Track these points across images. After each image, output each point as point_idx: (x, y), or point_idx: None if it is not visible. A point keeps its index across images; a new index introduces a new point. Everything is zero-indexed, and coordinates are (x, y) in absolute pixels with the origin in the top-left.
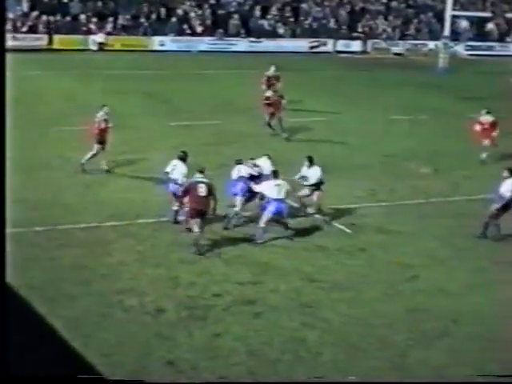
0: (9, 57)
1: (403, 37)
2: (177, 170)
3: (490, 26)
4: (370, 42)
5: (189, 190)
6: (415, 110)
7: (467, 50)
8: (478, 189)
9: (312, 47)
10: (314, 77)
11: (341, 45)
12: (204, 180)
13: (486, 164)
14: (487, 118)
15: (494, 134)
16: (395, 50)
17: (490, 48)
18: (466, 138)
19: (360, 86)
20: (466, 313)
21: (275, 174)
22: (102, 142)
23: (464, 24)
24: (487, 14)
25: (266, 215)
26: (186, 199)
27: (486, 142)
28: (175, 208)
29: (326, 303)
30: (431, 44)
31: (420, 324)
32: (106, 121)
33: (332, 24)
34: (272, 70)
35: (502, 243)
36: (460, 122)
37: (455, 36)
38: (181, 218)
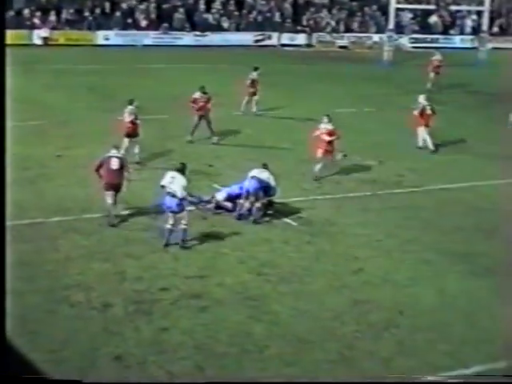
0: None
1: (348, 30)
2: (175, 182)
3: (434, 18)
4: (314, 35)
5: (102, 164)
6: (360, 103)
7: (411, 42)
8: (422, 181)
9: (257, 40)
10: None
11: (286, 38)
12: (117, 155)
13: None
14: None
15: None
16: (340, 43)
17: (434, 41)
18: (412, 130)
19: (305, 80)
20: (413, 304)
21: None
22: (130, 135)
23: (408, 17)
24: (431, 7)
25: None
26: (101, 172)
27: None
28: (169, 226)
29: (272, 296)
30: (376, 37)
31: (367, 316)
32: (134, 115)
33: (277, 17)
34: (256, 74)
35: (447, 234)
36: (404, 115)
37: (399, 29)
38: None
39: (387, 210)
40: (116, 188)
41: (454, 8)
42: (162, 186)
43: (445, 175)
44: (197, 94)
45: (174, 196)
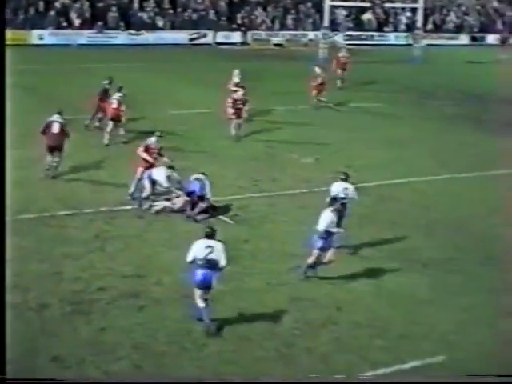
0: None
1: (283, 27)
2: (215, 251)
3: (369, 16)
4: (249, 33)
5: (45, 128)
6: (295, 101)
7: (346, 39)
8: (358, 177)
9: (192, 39)
10: (194, 69)
11: (221, 36)
12: (58, 120)
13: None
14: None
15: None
16: (275, 40)
17: (368, 38)
18: (347, 126)
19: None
20: (350, 300)
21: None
22: (114, 119)
23: (343, 14)
24: (365, 4)
25: None
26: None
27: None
28: (202, 305)
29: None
30: (311, 34)
31: (305, 313)
32: (119, 101)
33: (212, 16)
34: (237, 76)
35: (384, 230)
36: (340, 112)
37: (334, 26)
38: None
39: (324, 207)
40: (56, 149)
41: (388, 5)
42: (192, 262)
43: (381, 172)
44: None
45: (212, 268)
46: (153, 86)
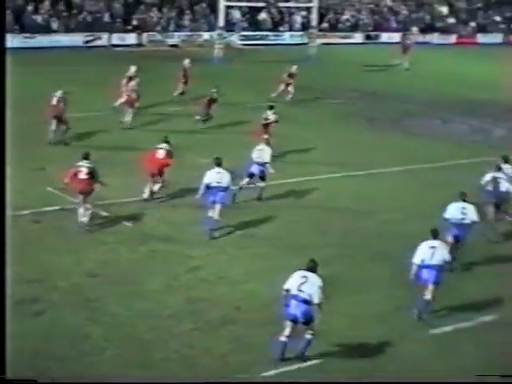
0: None
1: (178, 28)
2: (309, 282)
3: (263, 15)
4: (145, 35)
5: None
6: (186, 101)
7: (242, 39)
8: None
9: (87, 41)
10: (89, 71)
11: (116, 38)
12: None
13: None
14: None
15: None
16: (170, 41)
17: (263, 37)
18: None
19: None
20: (249, 299)
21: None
22: (56, 117)
23: (237, 14)
24: (260, 4)
25: None
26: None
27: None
28: (284, 339)
29: (110, 298)
30: (206, 35)
31: (204, 313)
32: (60, 100)
33: (106, 18)
34: (133, 70)
35: (281, 229)
36: (238, 111)
37: (230, 26)
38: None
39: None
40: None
41: (283, 5)
42: (287, 290)
43: (279, 171)
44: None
45: (305, 302)
46: (44, 89)
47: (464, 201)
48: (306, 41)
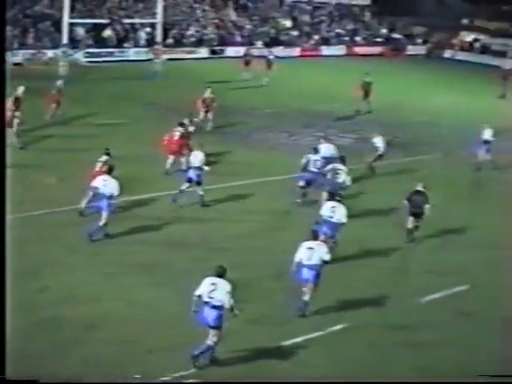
0: None
1: (22, 46)
2: (219, 289)
3: (108, 32)
4: None
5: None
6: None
7: (87, 57)
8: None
9: None
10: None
11: None
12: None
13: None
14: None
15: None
16: (14, 59)
17: (108, 54)
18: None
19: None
20: (100, 318)
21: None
22: None
23: (82, 31)
24: (105, 21)
25: None
26: None
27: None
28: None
29: None
30: (50, 52)
31: (54, 333)
32: None
33: None
34: (20, 92)
35: (130, 246)
36: (82, 128)
37: (74, 43)
38: None
39: (68, 226)
40: None
41: (127, 21)
42: (199, 296)
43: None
44: None
45: (216, 307)
46: None
47: (338, 201)
48: (151, 57)
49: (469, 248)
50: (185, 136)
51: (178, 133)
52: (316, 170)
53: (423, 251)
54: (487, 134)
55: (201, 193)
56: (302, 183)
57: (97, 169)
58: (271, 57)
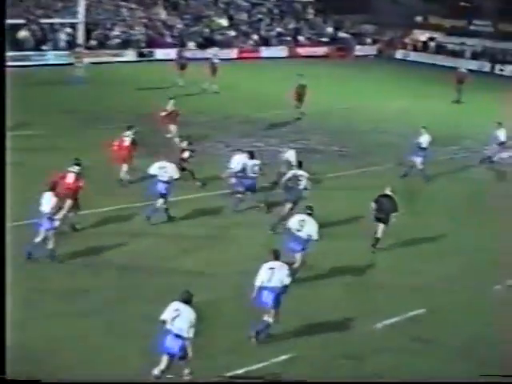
0: None
1: None
2: (182, 316)
3: (24, 33)
4: None
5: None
6: None
7: None
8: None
9: None
10: None
11: None
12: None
13: None
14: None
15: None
16: None
17: (25, 58)
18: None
19: None
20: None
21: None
22: None
23: None
24: (20, 21)
25: None
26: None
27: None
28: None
29: None
30: None
31: None
32: None
33: None
34: None
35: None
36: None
37: None
38: None
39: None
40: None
41: (45, 21)
42: (163, 322)
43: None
44: None
45: (178, 336)
46: None
47: (308, 214)
48: (72, 60)
49: (426, 268)
50: (135, 142)
51: (127, 138)
52: (254, 175)
53: (380, 271)
54: (423, 140)
55: (164, 206)
56: (241, 189)
57: (70, 180)
58: (216, 60)
